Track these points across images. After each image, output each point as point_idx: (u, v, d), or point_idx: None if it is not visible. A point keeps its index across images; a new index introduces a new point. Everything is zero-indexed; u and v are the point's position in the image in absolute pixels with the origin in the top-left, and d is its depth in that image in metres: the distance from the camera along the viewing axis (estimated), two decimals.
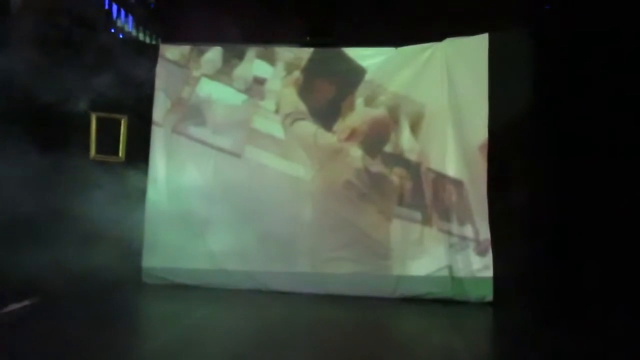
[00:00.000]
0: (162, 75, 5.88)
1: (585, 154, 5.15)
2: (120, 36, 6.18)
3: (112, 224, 5.22)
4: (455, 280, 5.41)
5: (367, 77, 5.74)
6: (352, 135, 5.73)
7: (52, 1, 5.25)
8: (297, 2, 6.09)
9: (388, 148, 5.69)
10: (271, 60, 5.88)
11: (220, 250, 5.63)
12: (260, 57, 5.89)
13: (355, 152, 5.71)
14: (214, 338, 4.17)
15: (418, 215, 5.59)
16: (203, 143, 5.83)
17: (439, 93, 5.59)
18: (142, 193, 5.74)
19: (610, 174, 4.91)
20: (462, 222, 5.47)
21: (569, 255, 5.18)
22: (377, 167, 5.68)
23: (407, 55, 5.73)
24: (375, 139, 5.72)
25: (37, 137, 4.95)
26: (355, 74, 5.76)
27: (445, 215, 5.53)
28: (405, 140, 5.68)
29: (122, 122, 5.88)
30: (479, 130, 5.43)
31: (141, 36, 6.30)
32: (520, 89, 5.29)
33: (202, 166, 5.80)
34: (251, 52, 5.90)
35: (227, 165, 5.78)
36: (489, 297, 5.30)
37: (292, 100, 5.82)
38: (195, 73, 5.90)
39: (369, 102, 5.76)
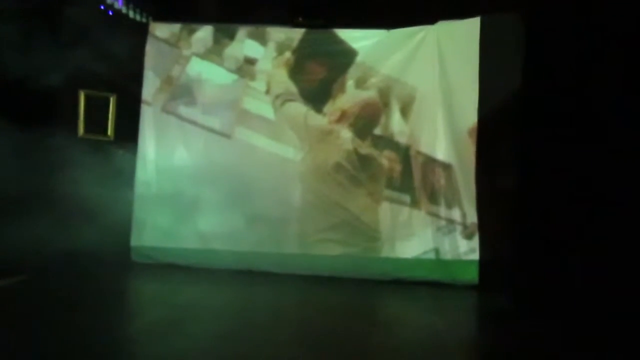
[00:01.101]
0: (152, 54, 5.82)
1: (574, 140, 5.18)
2: (110, 13, 6.09)
3: (101, 202, 5.22)
4: (441, 262, 5.46)
5: (359, 59, 5.71)
6: (342, 117, 5.72)
7: None
8: None
9: (378, 131, 5.69)
10: (262, 40, 5.84)
11: (209, 230, 5.63)
12: (252, 37, 5.85)
13: (345, 134, 5.70)
14: (202, 318, 4.19)
15: (407, 198, 5.62)
16: (193, 123, 5.80)
17: (430, 76, 5.57)
18: (131, 172, 5.72)
19: (599, 160, 4.95)
20: (450, 206, 5.50)
21: (555, 240, 5.24)
22: (366, 149, 5.68)
23: (399, 37, 5.69)
24: (365, 121, 5.71)
25: (25, 115, 4.92)
26: (347, 55, 5.73)
27: (434, 199, 5.55)
28: (396, 123, 5.68)
29: (111, 100, 5.85)
30: (469, 115, 5.42)
31: (131, 13, 6.21)
32: (510, 74, 5.30)
33: (192, 146, 5.78)
34: (242, 31, 5.85)
35: (217, 146, 5.76)
36: (475, 280, 5.34)
37: (283, 81, 5.79)
38: (186, 52, 5.85)
39: (360, 84, 5.74)
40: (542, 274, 5.21)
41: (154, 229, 5.69)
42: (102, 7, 6.01)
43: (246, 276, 5.50)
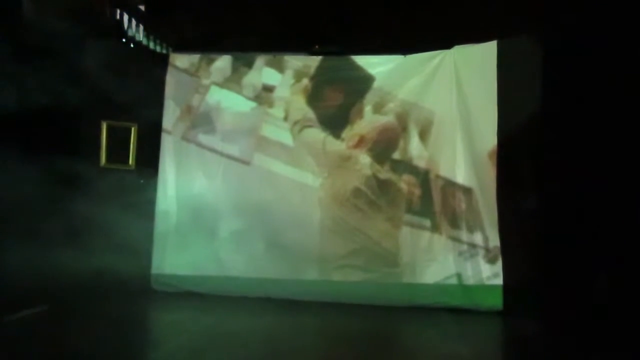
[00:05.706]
0: (172, 84, 5.94)
1: (595, 161, 5.10)
2: (131, 45, 6.23)
3: (122, 230, 5.27)
4: (464, 288, 5.38)
5: (376, 84, 5.75)
6: (360, 142, 5.73)
7: (63, 10, 5.31)
8: (306, 10, 6.11)
9: (397, 155, 5.69)
10: (280, 68, 5.92)
11: (228, 257, 5.66)
12: (269, 65, 5.93)
13: (364, 160, 5.70)
14: (222, 346, 4.16)
15: (427, 222, 5.57)
16: (212, 150, 5.87)
17: (448, 100, 5.57)
18: (151, 200, 5.78)
19: (622, 181, 4.86)
20: (471, 230, 5.44)
21: (580, 264, 5.13)
22: (385, 174, 5.67)
23: (416, 62, 5.73)
24: (384, 146, 5.72)
25: (48, 145, 5.01)
26: (364, 81, 5.78)
27: (455, 223, 5.50)
28: (414, 147, 5.67)
29: (133, 130, 5.94)
30: (488, 137, 5.40)
31: (151, 45, 6.35)
32: (529, 96, 5.27)
33: (211, 173, 5.83)
34: (260, 60, 5.94)
35: (236, 173, 5.81)
36: (499, 305, 5.24)
37: (301, 107, 5.84)
38: (205, 81, 5.95)
39: (378, 109, 5.76)
40: (568, 298, 5.09)
41: (174, 256, 5.71)
42: (123, 40, 6.15)
43: (266, 303, 5.46)
